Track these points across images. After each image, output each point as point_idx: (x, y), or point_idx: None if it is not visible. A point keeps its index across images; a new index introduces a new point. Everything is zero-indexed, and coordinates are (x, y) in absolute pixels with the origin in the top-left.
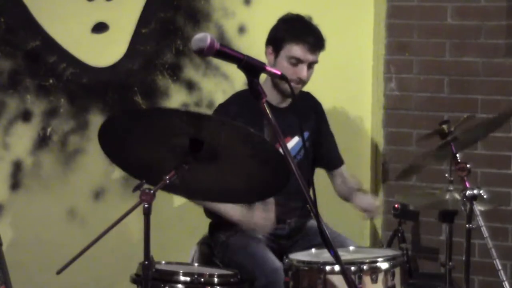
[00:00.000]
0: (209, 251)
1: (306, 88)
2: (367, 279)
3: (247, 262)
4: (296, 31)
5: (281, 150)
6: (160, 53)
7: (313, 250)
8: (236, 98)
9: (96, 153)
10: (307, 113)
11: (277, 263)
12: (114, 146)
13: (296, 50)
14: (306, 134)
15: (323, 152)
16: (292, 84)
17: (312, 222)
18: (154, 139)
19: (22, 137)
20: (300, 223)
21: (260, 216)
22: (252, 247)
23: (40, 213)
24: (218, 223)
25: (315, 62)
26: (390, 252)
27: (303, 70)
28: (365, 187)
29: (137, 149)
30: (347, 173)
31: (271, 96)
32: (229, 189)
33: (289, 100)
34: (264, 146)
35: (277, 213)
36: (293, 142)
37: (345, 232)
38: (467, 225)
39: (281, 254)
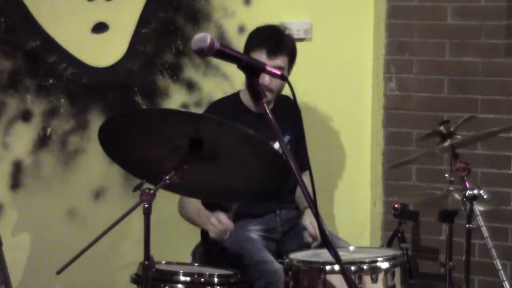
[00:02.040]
0: (206, 252)
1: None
2: (367, 279)
3: (245, 264)
4: (255, 39)
5: (276, 146)
6: (160, 53)
7: (313, 250)
8: (220, 105)
9: (96, 153)
10: (288, 117)
11: (276, 264)
12: (115, 146)
13: (255, 56)
14: (287, 138)
15: (296, 155)
16: None
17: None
18: (154, 139)
19: (22, 137)
20: (290, 215)
21: (218, 218)
22: (249, 249)
23: (40, 213)
24: None
25: (278, 67)
26: (390, 252)
27: (264, 76)
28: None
29: (137, 149)
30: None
31: (250, 102)
32: (229, 189)
33: (270, 106)
34: (263, 148)
35: (265, 204)
36: (276, 146)
37: (345, 232)
38: (467, 225)
39: (278, 252)
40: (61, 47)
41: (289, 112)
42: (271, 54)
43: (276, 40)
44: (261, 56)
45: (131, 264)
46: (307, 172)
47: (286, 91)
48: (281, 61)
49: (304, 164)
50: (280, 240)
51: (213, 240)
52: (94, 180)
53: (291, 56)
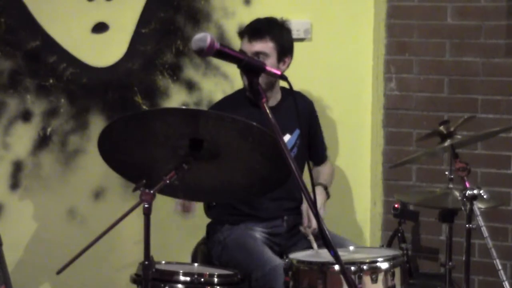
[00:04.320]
0: (209, 251)
1: (297, 88)
2: (367, 279)
3: (245, 259)
4: (244, 28)
5: (286, 138)
6: (160, 53)
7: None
8: (227, 101)
9: (96, 153)
10: (298, 111)
11: (275, 259)
12: (114, 153)
13: (242, 44)
14: (297, 132)
15: (311, 149)
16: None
17: None
18: (154, 140)
19: (22, 137)
20: (297, 221)
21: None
22: (250, 245)
23: (40, 213)
24: (216, 223)
25: (261, 52)
26: (390, 252)
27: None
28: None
29: (137, 151)
30: (325, 168)
31: None
32: (230, 187)
33: (276, 99)
34: (265, 139)
35: (273, 209)
36: (286, 139)
37: (345, 232)
38: (467, 225)
39: (281, 254)
40: (61, 47)
41: (299, 107)
42: (250, 38)
43: (257, 26)
44: (245, 42)
45: (131, 264)
46: (326, 162)
47: (297, 87)
48: (262, 46)
49: (322, 156)
50: (285, 245)
51: (216, 236)
52: (94, 180)
53: (280, 44)
